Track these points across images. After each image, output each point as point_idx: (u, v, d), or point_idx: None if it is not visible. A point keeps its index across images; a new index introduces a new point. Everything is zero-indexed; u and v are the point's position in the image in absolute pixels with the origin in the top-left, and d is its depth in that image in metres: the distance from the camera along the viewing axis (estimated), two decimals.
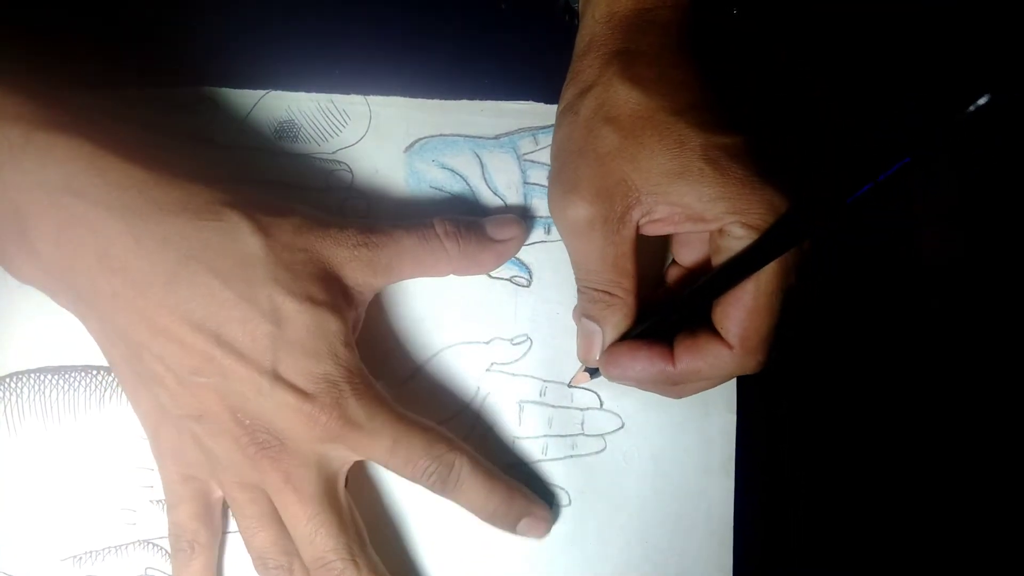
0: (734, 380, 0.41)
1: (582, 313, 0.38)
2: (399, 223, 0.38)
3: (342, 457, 0.36)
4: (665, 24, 0.36)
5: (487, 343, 0.40)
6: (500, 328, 0.40)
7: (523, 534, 0.38)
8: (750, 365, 0.35)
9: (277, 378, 0.34)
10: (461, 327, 0.40)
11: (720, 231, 0.34)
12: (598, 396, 0.40)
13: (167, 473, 0.37)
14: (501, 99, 0.41)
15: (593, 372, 0.39)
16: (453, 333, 0.40)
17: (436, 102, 0.41)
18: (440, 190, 0.41)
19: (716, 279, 0.35)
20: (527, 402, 0.40)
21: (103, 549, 0.39)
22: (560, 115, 0.37)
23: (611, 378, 0.37)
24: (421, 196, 0.41)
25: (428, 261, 0.38)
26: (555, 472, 0.40)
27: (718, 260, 0.35)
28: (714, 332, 0.35)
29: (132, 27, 0.41)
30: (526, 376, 0.40)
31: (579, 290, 0.38)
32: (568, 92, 0.37)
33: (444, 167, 0.41)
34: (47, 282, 0.36)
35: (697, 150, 0.34)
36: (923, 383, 0.44)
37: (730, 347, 0.35)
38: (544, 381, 0.40)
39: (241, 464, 0.35)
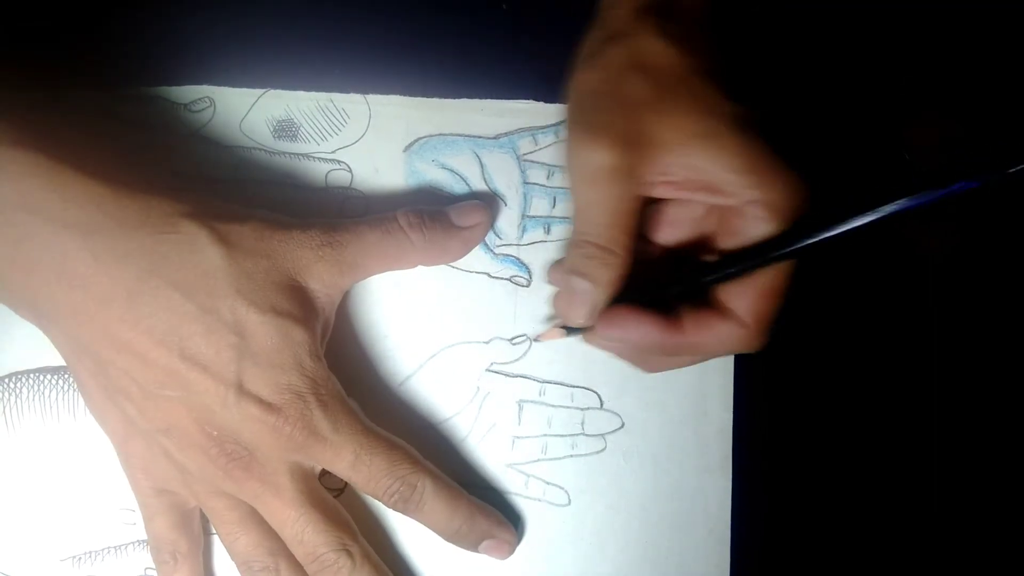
0: (731, 378, 0.41)
1: (572, 269, 0.35)
2: (362, 219, 0.37)
3: (311, 463, 0.36)
4: None
5: (487, 343, 0.40)
6: (500, 328, 0.40)
7: (485, 554, 0.38)
8: (754, 345, 0.35)
9: (242, 390, 0.34)
10: (461, 327, 0.40)
11: (738, 208, 0.34)
12: (598, 396, 0.40)
13: (139, 487, 0.37)
14: (501, 98, 0.41)
15: (570, 331, 0.38)
16: (453, 333, 0.40)
17: (436, 101, 0.41)
18: (440, 190, 0.41)
19: (739, 260, 0.34)
20: (527, 402, 0.40)
21: (102, 549, 0.39)
22: (582, 60, 0.36)
23: (604, 338, 0.36)
24: (421, 196, 0.41)
25: (394, 254, 0.38)
26: (555, 472, 0.40)
27: (728, 238, 0.34)
28: (718, 309, 0.35)
29: (129, 25, 0.41)
30: (526, 376, 0.40)
31: (576, 243, 0.35)
32: (593, 39, 0.36)
33: (444, 167, 0.41)
34: (9, 298, 0.35)
35: (726, 117, 0.33)
36: (921, 381, 0.44)
37: (744, 326, 0.34)
38: (544, 381, 0.40)
39: (214, 475, 0.35)
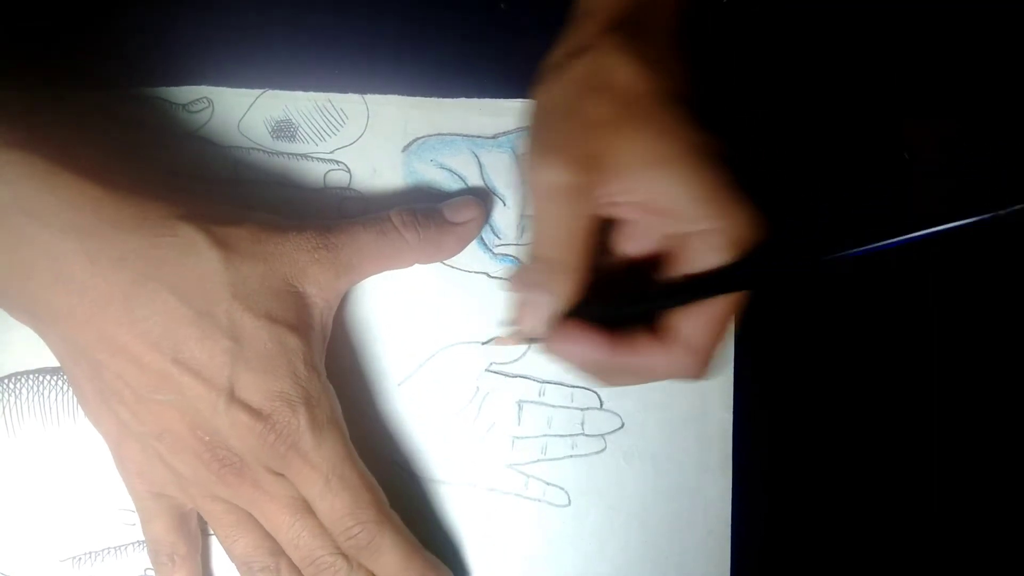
0: (731, 378, 0.41)
1: (530, 282, 0.36)
2: (356, 220, 0.37)
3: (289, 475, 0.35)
4: (670, 8, 0.35)
5: (486, 343, 0.40)
6: (499, 328, 0.40)
7: None
8: (698, 373, 0.34)
9: (232, 396, 0.33)
10: (460, 327, 0.40)
11: (689, 235, 0.33)
12: (598, 396, 0.40)
13: (135, 490, 0.37)
14: (500, 98, 0.40)
15: (531, 340, 0.37)
16: (452, 333, 0.40)
17: (434, 101, 0.41)
18: (438, 190, 0.41)
19: (690, 288, 0.34)
20: (526, 402, 0.40)
21: (102, 550, 0.39)
22: (547, 70, 0.36)
23: (553, 352, 0.36)
24: (419, 196, 0.40)
25: (390, 254, 0.37)
26: (555, 472, 0.40)
27: (680, 265, 0.34)
28: (666, 334, 0.34)
29: (128, 25, 0.41)
30: (525, 376, 0.40)
31: (534, 256, 0.36)
32: (558, 51, 0.36)
33: (442, 167, 0.41)
34: (5, 301, 0.35)
35: (686, 143, 0.32)
36: (921, 382, 0.44)
37: (689, 354, 0.34)
38: (543, 381, 0.40)
39: (207, 480, 0.35)
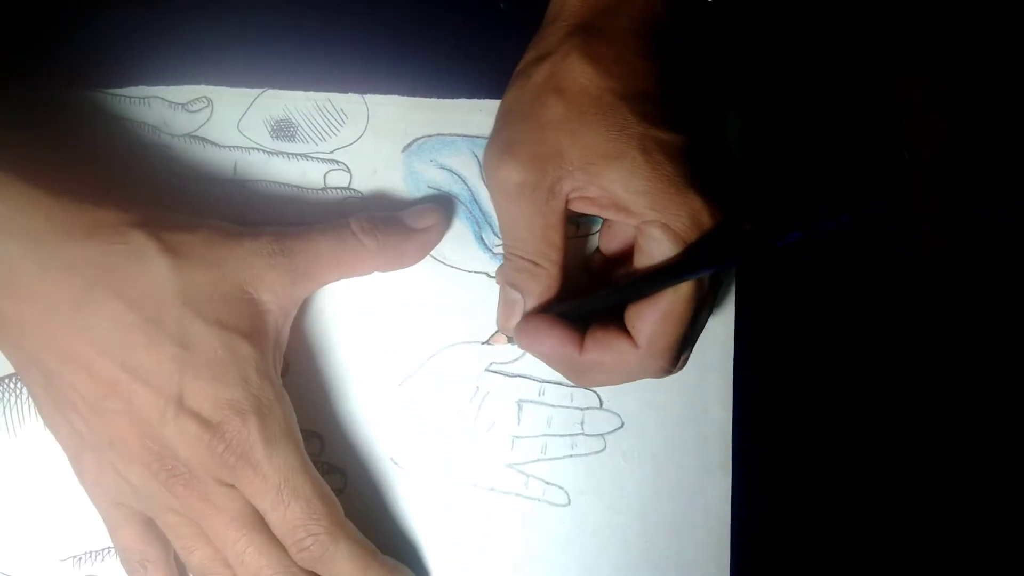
0: (731, 378, 0.41)
1: (506, 280, 0.37)
2: (314, 226, 0.37)
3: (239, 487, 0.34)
4: (637, 9, 0.36)
5: (486, 343, 0.40)
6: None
7: None
8: (653, 368, 0.35)
9: (181, 405, 0.33)
10: (460, 326, 0.40)
11: (639, 228, 0.34)
12: (598, 396, 0.40)
13: (96, 500, 0.36)
14: (500, 98, 0.40)
15: (511, 339, 0.39)
16: (452, 332, 0.40)
17: (434, 101, 0.41)
18: (438, 190, 0.41)
19: (638, 283, 0.35)
20: (526, 402, 0.40)
21: (103, 549, 0.39)
22: (514, 77, 0.37)
23: (522, 348, 0.37)
24: (419, 197, 0.40)
25: (348, 261, 0.37)
26: (555, 472, 0.40)
27: (638, 258, 0.35)
28: (625, 329, 0.35)
29: (128, 25, 0.40)
30: (525, 376, 0.40)
31: (506, 256, 0.37)
32: (527, 56, 0.37)
33: (442, 167, 0.41)
34: None
35: (634, 138, 0.33)
36: (921, 382, 0.44)
37: (636, 347, 0.34)
38: (543, 381, 0.40)
39: (158, 492, 0.34)
